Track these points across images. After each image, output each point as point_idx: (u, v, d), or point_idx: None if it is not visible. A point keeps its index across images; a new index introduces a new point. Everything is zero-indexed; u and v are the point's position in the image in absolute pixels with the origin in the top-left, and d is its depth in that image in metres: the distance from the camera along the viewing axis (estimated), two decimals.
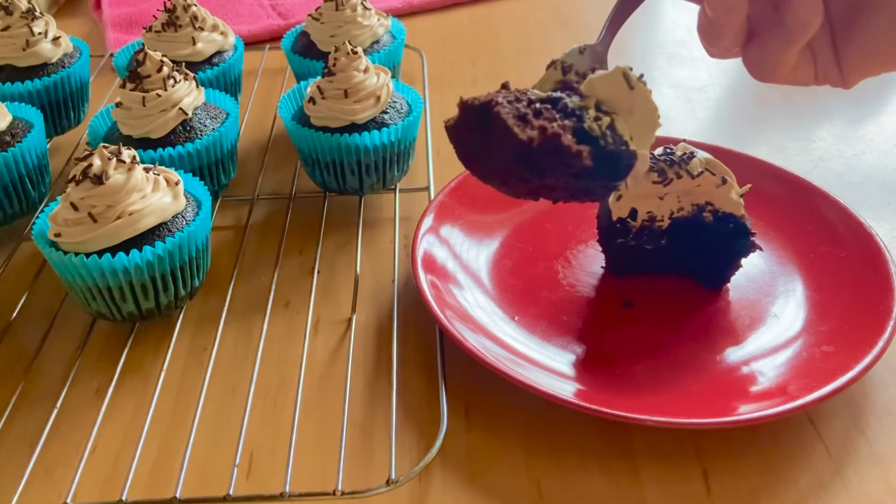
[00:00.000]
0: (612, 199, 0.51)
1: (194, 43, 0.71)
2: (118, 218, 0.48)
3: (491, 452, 0.46)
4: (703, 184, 0.50)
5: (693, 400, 0.47)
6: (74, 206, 0.49)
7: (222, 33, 0.73)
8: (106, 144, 0.50)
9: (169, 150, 0.58)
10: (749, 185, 0.51)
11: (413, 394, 0.49)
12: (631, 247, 0.52)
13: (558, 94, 0.41)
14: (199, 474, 0.45)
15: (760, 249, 0.52)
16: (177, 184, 0.52)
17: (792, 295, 0.54)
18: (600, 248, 0.56)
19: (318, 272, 0.59)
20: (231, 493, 0.43)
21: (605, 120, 0.40)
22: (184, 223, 0.51)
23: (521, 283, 0.57)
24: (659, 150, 0.52)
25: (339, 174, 0.62)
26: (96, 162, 0.49)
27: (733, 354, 0.50)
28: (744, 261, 0.54)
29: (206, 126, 0.60)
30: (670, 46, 0.94)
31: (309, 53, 0.73)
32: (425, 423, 0.47)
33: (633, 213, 0.51)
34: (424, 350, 0.52)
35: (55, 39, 0.70)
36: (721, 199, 0.50)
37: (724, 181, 0.49)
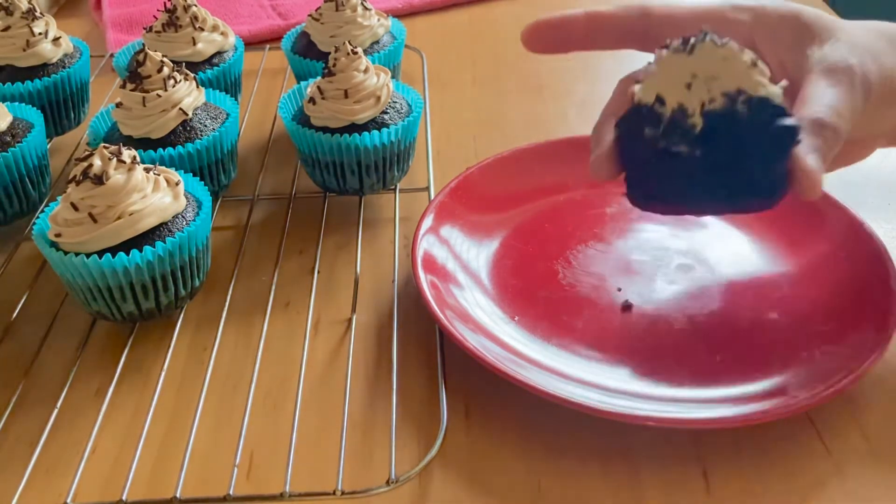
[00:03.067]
0: (636, 87, 0.42)
1: (194, 43, 0.71)
2: (118, 218, 0.49)
3: (491, 452, 0.46)
4: (730, 58, 0.39)
5: (693, 400, 0.47)
6: (75, 207, 0.49)
7: (222, 34, 0.74)
8: (106, 145, 0.50)
9: (169, 150, 0.58)
10: (786, 82, 0.40)
11: (413, 394, 0.49)
12: (660, 152, 0.40)
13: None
14: (200, 474, 0.45)
15: (799, 142, 0.39)
16: (177, 184, 0.52)
17: (791, 295, 0.54)
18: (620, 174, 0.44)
19: (319, 272, 0.59)
20: (231, 493, 0.43)
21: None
22: (184, 223, 0.51)
23: (521, 283, 0.57)
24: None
25: (339, 174, 0.62)
26: (96, 162, 0.49)
27: (733, 354, 0.50)
28: (743, 260, 0.54)
29: (206, 126, 0.60)
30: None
31: (309, 54, 0.73)
32: (425, 423, 0.47)
33: (661, 100, 0.40)
34: (424, 350, 0.52)
35: (55, 40, 0.70)
36: (753, 84, 0.39)
37: (755, 63, 0.39)
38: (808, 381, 0.46)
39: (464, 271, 0.57)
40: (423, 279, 0.53)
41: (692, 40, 0.39)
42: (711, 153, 0.39)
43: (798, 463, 0.45)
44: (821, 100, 0.39)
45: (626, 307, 0.54)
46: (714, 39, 0.39)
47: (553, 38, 0.45)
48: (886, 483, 0.44)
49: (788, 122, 0.38)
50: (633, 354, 0.51)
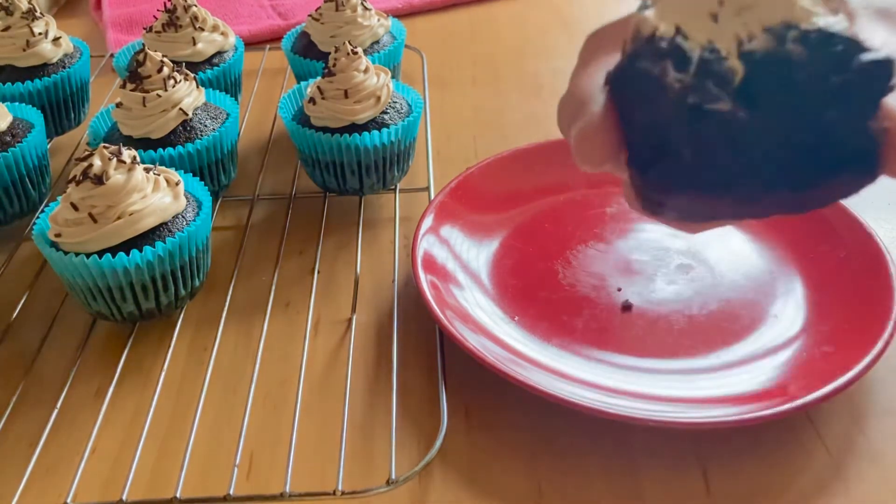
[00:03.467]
0: (647, 11, 0.28)
1: (194, 43, 0.71)
2: (118, 218, 0.49)
3: (491, 452, 0.46)
4: None
5: (693, 400, 0.47)
6: (75, 207, 0.49)
7: (222, 34, 0.74)
8: (106, 145, 0.50)
9: (169, 150, 0.58)
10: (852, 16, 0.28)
11: (413, 394, 0.49)
12: (688, 113, 0.26)
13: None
14: (200, 474, 0.45)
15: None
16: (177, 184, 0.52)
17: (792, 295, 0.54)
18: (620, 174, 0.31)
19: (319, 272, 0.59)
20: (231, 493, 0.43)
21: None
22: (184, 223, 0.51)
23: (521, 283, 0.57)
24: None
25: (339, 174, 0.62)
26: (96, 162, 0.49)
27: (733, 354, 0.50)
28: (743, 260, 0.54)
29: (206, 126, 0.60)
30: None
31: (309, 54, 0.73)
32: (425, 423, 0.47)
33: (681, 33, 0.27)
34: (424, 350, 0.52)
35: (55, 40, 0.70)
36: (803, 13, 0.26)
37: None
38: (808, 381, 0.46)
39: (464, 271, 0.57)
40: (423, 279, 0.53)
41: None
42: (767, 113, 0.25)
43: (798, 463, 0.45)
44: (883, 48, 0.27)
45: (626, 307, 0.54)
46: None
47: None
48: (886, 483, 0.44)
49: (875, 56, 0.25)
50: (632, 354, 0.51)
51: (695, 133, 0.26)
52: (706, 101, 0.26)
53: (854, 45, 0.26)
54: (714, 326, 0.52)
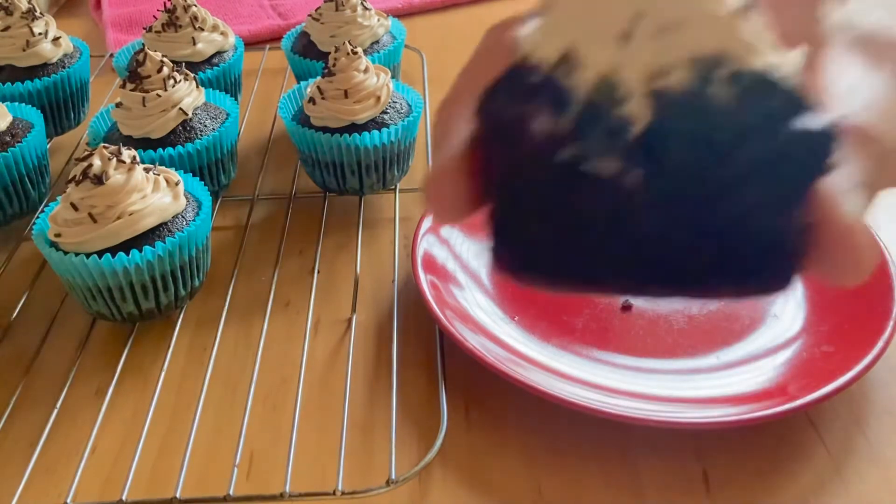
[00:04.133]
0: (523, 29, 0.21)
1: (194, 43, 0.71)
2: (118, 218, 0.49)
3: (491, 452, 0.46)
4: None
5: (693, 400, 0.47)
6: (74, 207, 0.49)
7: (222, 33, 0.73)
8: (106, 145, 0.50)
9: (169, 150, 0.58)
10: (804, 50, 0.21)
11: (413, 394, 0.49)
12: (562, 172, 0.19)
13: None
14: (200, 474, 0.45)
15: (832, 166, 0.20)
16: (177, 184, 0.52)
17: (791, 295, 0.54)
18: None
19: (318, 272, 0.59)
20: (231, 493, 0.43)
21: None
22: (184, 223, 0.51)
23: None
24: None
25: (339, 174, 0.62)
26: (96, 162, 0.49)
27: (733, 354, 0.50)
28: None
29: (206, 126, 0.60)
30: None
31: (309, 54, 0.73)
32: (425, 423, 0.47)
33: (570, 61, 0.19)
34: (424, 350, 0.52)
35: (55, 40, 0.70)
36: (743, 46, 0.19)
37: (750, 4, 0.19)
38: (808, 381, 0.46)
39: (464, 271, 0.57)
40: (423, 279, 0.53)
41: None
42: (662, 181, 0.19)
43: (798, 463, 0.45)
44: (858, 92, 0.22)
45: (626, 307, 0.54)
46: None
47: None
48: (887, 483, 0.43)
49: (813, 124, 0.18)
50: (632, 354, 0.51)
51: (562, 202, 0.19)
52: (587, 157, 0.18)
53: (795, 103, 0.18)
54: (714, 326, 0.52)
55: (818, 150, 0.18)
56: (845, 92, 0.21)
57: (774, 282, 0.19)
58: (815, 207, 0.19)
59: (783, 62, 0.19)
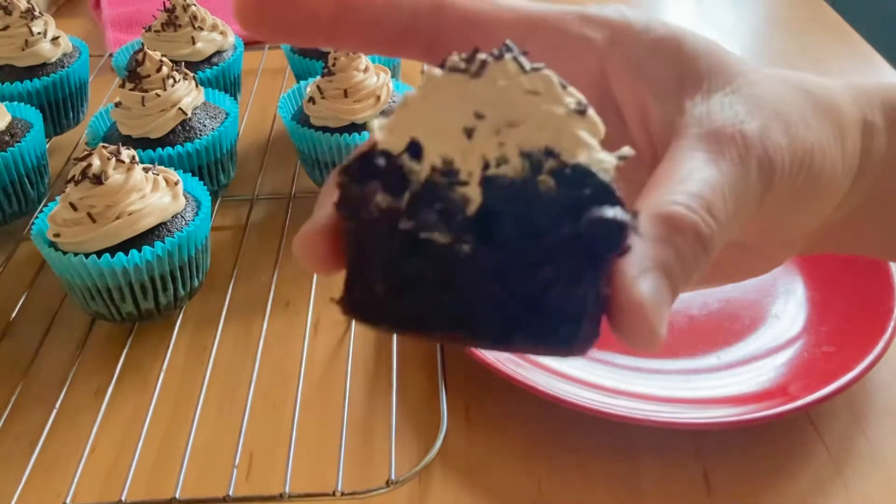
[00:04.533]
0: (376, 121, 0.23)
1: (194, 43, 0.70)
2: (117, 218, 0.48)
3: (491, 452, 0.46)
4: (542, 93, 0.22)
5: (694, 400, 0.47)
6: (73, 206, 0.49)
7: (222, 33, 0.73)
8: (105, 144, 0.50)
9: (168, 149, 0.58)
10: (629, 150, 0.22)
11: (413, 394, 0.49)
12: (401, 239, 0.22)
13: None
14: (199, 475, 0.45)
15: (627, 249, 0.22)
16: (176, 184, 0.52)
17: (792, 295, 0.54)
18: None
19: None
20: (231, 493, 0.42)
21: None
22: (183, 223, 0.51)
23: None
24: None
25: None
26: (95, 162, 0.49)
27: (734, 354, 0.50)
28: None
29: (205, 126, 0.60)
30: None
31: (308, 53, 0.73)
32: (425, 423, 0.47)
33: (415, 150, 0.22)
34: (424, 350, 0.52)
35: (54, 39, 0.70)
36: (572, 142, 0.22)
37: (581, 109, 0.22)
38: (808, 381, 0.46)
39: None
40: None
41: (484, 56, 0.22)
42: (488, 253, 0.22)
43: (798, 463, 0.44)
44: (687, 182, 0.23)
45: None
46: (518, 59, 0.22)
47: (282, 17, 0.27)
48: (887, 483, 0.43)
49: (610, 213, 0.21)
50: (633, 354, 0.51)
51: (404, 265, 0.22)
52: (422, 228, 0.22)
53: (603, 194, 0.21)
54: (715, 326, 0.52)
55: (613, 234, 0.21)
56: (683, 177, 0.23)
57: (575, 344, 0.22)
58: (610, 282, 0.21)
59: (603, 160, 0.22)
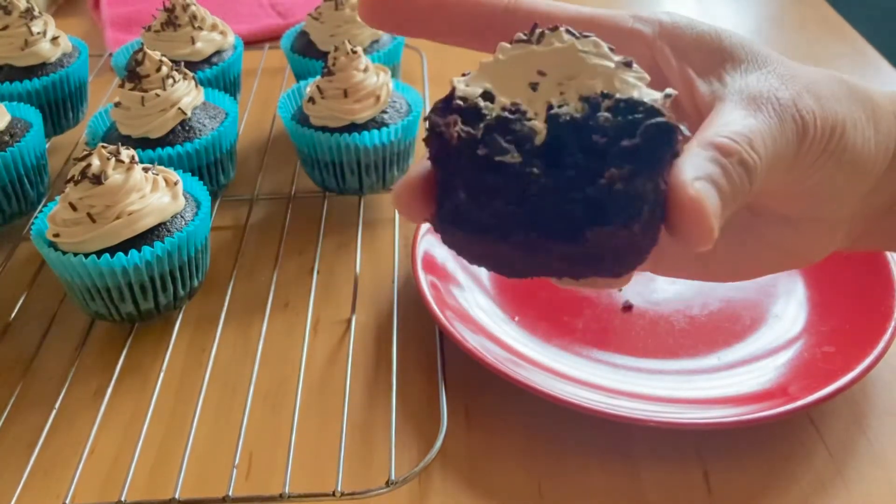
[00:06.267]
0: (455, 78, 0.28)
1: (193, 42, 0.70)
2: (117, 218, 0.48)
3: (491, 453, 0.46)
4: (592, 54, 0.27)
5: (694, 400, 0.47)
6: (73, 206, 0.48)
7: (221, 33, 0.73)
8: (105, 144, 0.50)
9: (168, 149, 0.58)
10: (673, 90, 0.27)
11: (413, 394, 0.49)
12: (479, 160, 0.26)
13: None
14: (199, 475, 0.45)
15: (679, 152, 0.26)
16: (176, 184, 0.52)
17: (793, 295, 0.54)
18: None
19: (318, 272, 0.58)
20: (230, 493, 0.42)
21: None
22: (183, 223, 0.51)
23: (521, 283, 0.56)
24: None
25: (338, 174, 0.62)
26: (95, 162, 0.49)
27: (734, 355, 0.50)
28: None
29: (205, 126, 0.60)
30: None
31: (308, 53, 0.73)
32: (425, 423, 0.47)
33: (488, 96, 0.27)
34: (424, 350, 0.52)
35: (54, 39, 0.70)
36: (623, 85, 0.27)
37: (628, 62, 0.27)
38: (809, 381, 0.46)
39: (464, 271, 0.57)
40: (423, 279, 0.53)
41: (542, 29, 0.28)
42: (556, 169, 0.26)
43: (798, 463, 0.44)
44: (731, 125, 0.27)
45: (627, 307, 0.54)
46: (570, 29, 0.28)
47: (392, 13, 0.32)
48: (887, 483, 0.43)
49: (658, 119, 0.25)
50: (633, 355, 0.51)
51: (474, 180, 0.26)
52: (492, 153, 0.26)
53: (652, 112, 0.26)
54: (715, 327, 0.52)
55: (665, 134, 0.25)
56: (727, 122, 0.28)
57: (637, 240, 0.25)
58: (668, 184, 0.25)
59: (653, 93, 0.26)
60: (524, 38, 0.28)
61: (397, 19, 0.31)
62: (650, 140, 0.25)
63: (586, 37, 0.27)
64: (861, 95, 0.31)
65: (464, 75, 0.28)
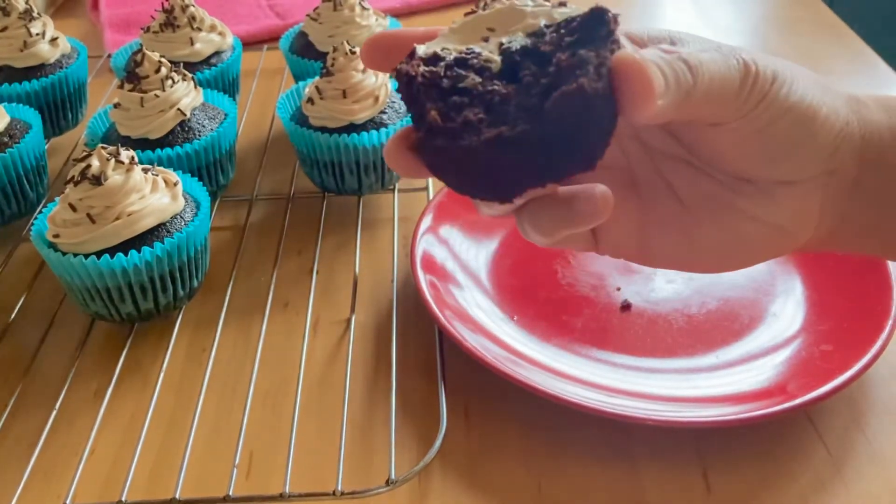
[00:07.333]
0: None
1: (192, 43, 0.70)
2: (117, 219, 0.48)
3: (491, 452, 0.46)
4: (534, 6, 0.31)
5: (693, 399, 0.47)
6: (73, 207, 0.49)
7: (220, 34, 0.73)
8: (104, 145, 0.50)
9: (167, 150, 0.58)
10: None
11: (412, 394, 0.49)
12: (444, 90, 0.30)
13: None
14: (199, 475, 0.45)
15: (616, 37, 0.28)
16: (175, 184, 0.52)
17: (791, 294, 0.54)
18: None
19: (317, 272, 0.58)
20: (231, 493, 0.43)
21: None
22: (182, 224, 0.51)
23: (520, 282, 0.57)
24: None
25: (337, 174, 0.62)
26: (95, 163, 0.49)
27: (733, 353, 0.50)
28: None
29: (204, 126, 0.60)
30: None
31: (307, 54, 0.73)
32: (425, 423, 0.47)
33: (446, 51, 0.31)
34: (424, 350, 0.52)
35: (53, 40, 0.70)
36: (561, 15, 0.30)
37: (563, 2, 0.31)
38: (807, 379, 0.46)
39: (463, 271, 0.57)
40: (422, 279, 0.53)
41: (485, 1, 0.32)
42: (513, 83, 0.29)
43: (798, 462, 0.45)
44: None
45: (625, 307, 0.54)
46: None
47: (390, 55, 0.33)
48: (886, 482, 0.44)
49: (586, 10, 0.29)
50: (632, 354, 0.51)
51: (443, 102, 0.29)
52: (455, 82, 0.30)
53: (584, 14, 0.29)
54: (713, 325, 0.52)
55: (601, 18, 0.28)
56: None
57: (599, 105, 0.27)
58: (612, 61, 0.27)
59: (574, 10, 0.30)
60: (474, 9, 0.32)
61: (391, 63, 0.33)
62: (586, 21, 0.29)
63: None
64: (805, 71, 0.33)
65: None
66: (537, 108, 0.27)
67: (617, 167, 0.36)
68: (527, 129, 0.27)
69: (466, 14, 0.31)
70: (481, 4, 0.32)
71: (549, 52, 0.29)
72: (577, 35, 0.29)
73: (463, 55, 0.30)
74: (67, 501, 0.43)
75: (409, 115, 0.30)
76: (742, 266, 0.36)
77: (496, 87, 0.29)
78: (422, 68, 0.30)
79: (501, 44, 0.30)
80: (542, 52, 0.29)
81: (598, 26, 0.28)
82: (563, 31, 0.29)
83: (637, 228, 0.35)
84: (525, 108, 0.28)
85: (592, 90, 0.27)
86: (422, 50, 0.31)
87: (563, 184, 0.30)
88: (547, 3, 0.31)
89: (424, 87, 0.30)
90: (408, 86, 0.30)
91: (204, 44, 0.71)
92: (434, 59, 0.30)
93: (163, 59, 0.59)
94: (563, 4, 0.31)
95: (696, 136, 0.33)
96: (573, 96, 0.27)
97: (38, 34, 0.69)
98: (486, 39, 0.31)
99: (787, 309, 0.53)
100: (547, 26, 0.30)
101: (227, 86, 0.73)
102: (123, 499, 0.43)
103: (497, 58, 0.30)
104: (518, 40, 0.30)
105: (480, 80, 0.29)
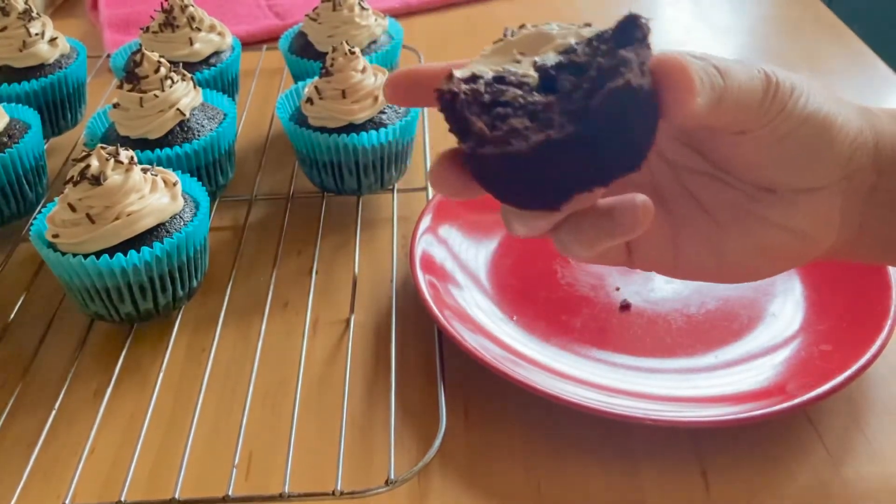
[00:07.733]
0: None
1: (191, 43, 0.70)
2: (116, 219, 0.48)
3: (490, 452, 0.46)
4: (558, 29, 0.33)
5: (692, 399, 0.47)
6: (72, 207, 0.49)
7: (220, 34, 0.73)
8: (104, 145, 0.50)
9: (167, 150, 0.58)
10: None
11: (412, 394, 0.49)
12: (487, 104, 0.30)
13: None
14: (198, 475, 0.45)
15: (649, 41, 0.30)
16: (175, 184, 0.52)
17: (790, 294, 0.54)
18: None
19: (317, 272, 0.58)
20: (230, 493, 0.43)
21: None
22: (182, 224, 0.51)
23: (519, 282, 0.57)
24: None
25: (336, 174, 0.62)
26: (94, 163, 0.49)
27: (732, 353, 0.50)
28: None
29: (203, 127, 0.60)
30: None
31: (306, 54, 0.73)
32: (424, 423, 0.47)
33: (482, 72, 0.32)
34: (423, 350, 0.52)
35: (52, 40, 0.70)
36: (589, 32, 0.32)
37: (588, 24, 0.33)
38: (806, 379, 0.46)
39: (462, 271, 0.57)
40: (422, 279, 0.53)
41: (513, 27, 0.34)
42: (552, 94, 0.30)
43: (797, 461, 0.45)
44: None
45: (625, 306, 0.54)
46: (535, 24, 0.33)
47: (412, 91, 0.34)
48: (885, 482, 0.44)
49: (626, 16, 0.30)
50: (631, 354, 0.51)
51: (488, 115, 0.30)
52: (496, 96, 0.30)
53: (618, 21, 0.30)
54: (712, 325, 0.52)
55: (636, 25, 0.29)
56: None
57: (643, 102, 0.28)
58: (652, 62, 0.28)
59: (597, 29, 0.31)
60: (501, 37, 0.33)
61: (414, 98, 0.34)
62: (621, 27, 0.30)
63: (548, 24, 0.33)
64: (818, 84, 0.34)
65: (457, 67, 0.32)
66: (582, 111, 0.28)
67: (643, 184, 0.36)
68: (574, 130, 0.28)
69: (495, 42, 0.33)
70: (509, 32, 0.33)
71: (585, 62, 0.30)
72: (613, 42, 0.30)
73: (500, 73, 0.31)
74: (67, 501, 0.43)
75: (454, 133, 0.31)
76: (770, 274, 0.37)
77: (537, 98, 0.30)
78: (463, 86, 0.31)
79: (535, 62, 0.31)
80: (578, 64, 0.30)
81: (632, 30, 0.30)
82: (595, 43, 0.31)
83: (669, 241, 0.36)
84: (569, 113, 0.29)
85: (638, 85, 0.27)
86: (459, 73, 0.31)
87: (608, 189, 0.31)
88: (573, 26, 0.32)
89: (468, 102, 0.30)
90: (451, 103, 0.30)
91: (203, 44, 0.71)
92: (472, 78, 0.31)
93: (162, 59, 0.59)
94: (588, 25, 0.32)
95: (720, 147, 0.34)
96: (620, 92, 0.27)
97: (37, 34, 0.69)
98: (518, 61, 0.32)
99: (786, 309, 0.53)
100: (577, 43, 0.31)
101: (227, 86, 0.73)
102: (123, 499, 0.43)
103: (533, 73, 0.31)
104: (551, 57, 0.31)
105: (521, 92, 0.30)
